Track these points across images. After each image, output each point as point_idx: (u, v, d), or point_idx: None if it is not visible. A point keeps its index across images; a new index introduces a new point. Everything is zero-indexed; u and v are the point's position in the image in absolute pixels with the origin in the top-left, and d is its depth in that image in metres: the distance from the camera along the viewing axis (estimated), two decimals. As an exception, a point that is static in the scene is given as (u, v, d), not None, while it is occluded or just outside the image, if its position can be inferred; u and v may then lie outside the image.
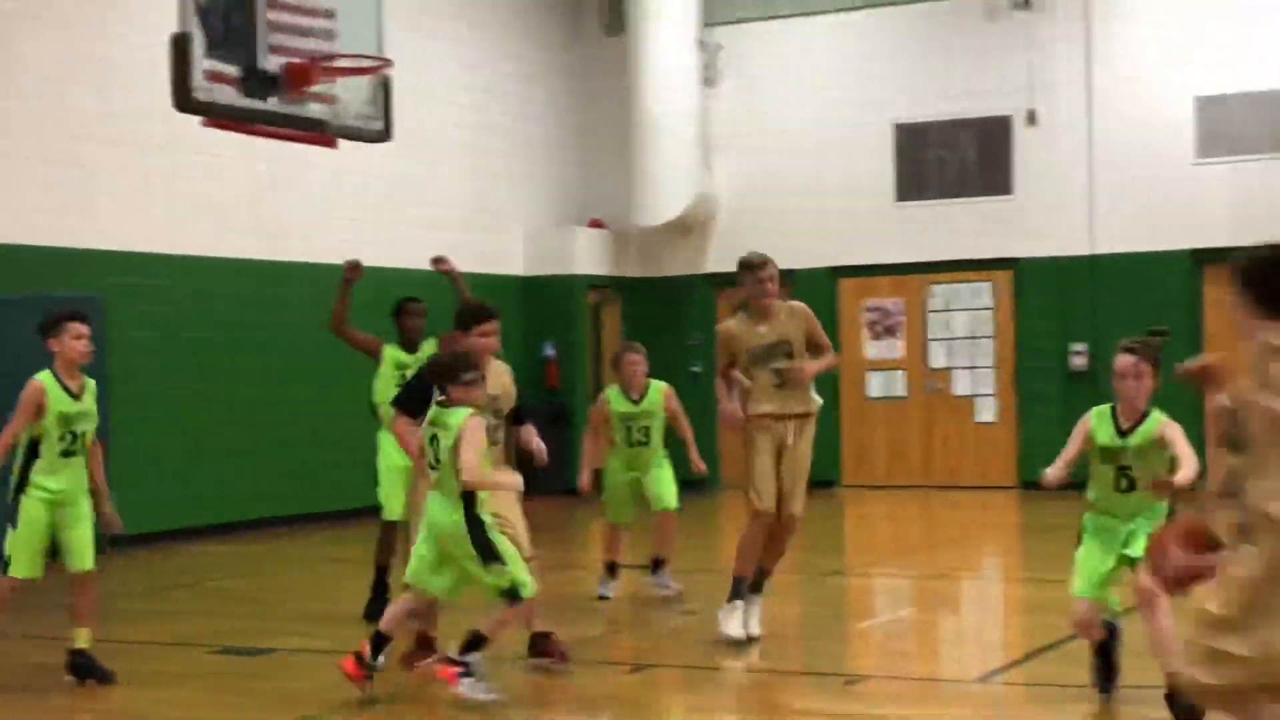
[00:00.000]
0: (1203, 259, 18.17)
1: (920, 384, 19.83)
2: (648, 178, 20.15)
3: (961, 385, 19.73)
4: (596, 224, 20.94)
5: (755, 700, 7.77)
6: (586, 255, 20.61)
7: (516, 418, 8.30)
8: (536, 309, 20.01)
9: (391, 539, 9.87)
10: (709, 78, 20.58)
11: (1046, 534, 14.68)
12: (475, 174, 19.44)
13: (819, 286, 20.44)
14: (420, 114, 17.04)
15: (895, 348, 20.06)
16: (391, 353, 10.06)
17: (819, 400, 9.23)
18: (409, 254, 17.92)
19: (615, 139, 20.51)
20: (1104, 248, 18.59)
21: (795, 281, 20.55)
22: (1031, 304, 19.33)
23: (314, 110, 9.35)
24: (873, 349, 20.29)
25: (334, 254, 16.92)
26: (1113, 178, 18.78)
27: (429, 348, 9.89)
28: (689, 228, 20.68)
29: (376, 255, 17.45)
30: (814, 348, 9.15)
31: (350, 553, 12.80)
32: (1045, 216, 19.20)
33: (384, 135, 9.93)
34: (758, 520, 8.85)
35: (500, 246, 19.87)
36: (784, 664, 8.67)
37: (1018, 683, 8.14)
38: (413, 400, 7.97)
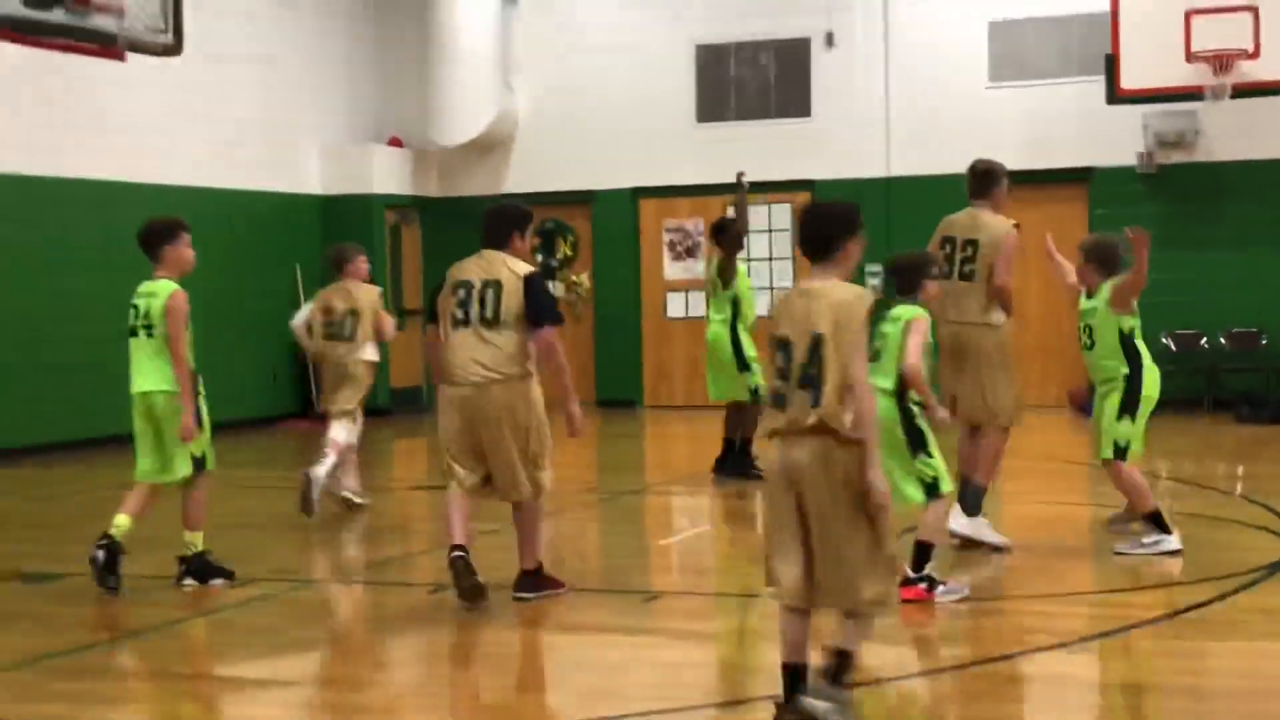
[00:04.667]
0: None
1: (720, 304, 20.00)
2: (447, 95, 19.89)
3: (761, 306, 19.87)
4: (395, 142, 20.61)
5: (556, 618, 7.76)
6: (385, 174, 20.28)
7: None
8: (334, 229, 19.63)
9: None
10: (510, -6, 20.38)
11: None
12: (269, 89, 18.95)
13: (620, 207, 20.46)
14: (211, 26, 16.55)
15: (695, 268, 20.16)
16: None
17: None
18: (200, 172, 17.51)
19: (415, 55, 20.18)
20: (899, 170, 18.89)
21: (597, 201, 20.56)
22: (829, 225, 19.56)
23: (101, 22, 9.01)
24: (673, 269, 20.39)
25: (119, 170, 16.52)
26: (908, 100, 19.06)
27: None
28: (489, 147, 20.48)
29: (163, 172, 17.05)
30: None
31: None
32: (842, 138, 19.42)
33: (174, 49, 9.63)
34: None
35: (296, 164, 19.44)
36: (585, 581, 8.71)
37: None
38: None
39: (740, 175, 12.87)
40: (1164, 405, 8.89)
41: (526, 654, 7.16)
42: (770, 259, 19.92)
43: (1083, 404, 18.10)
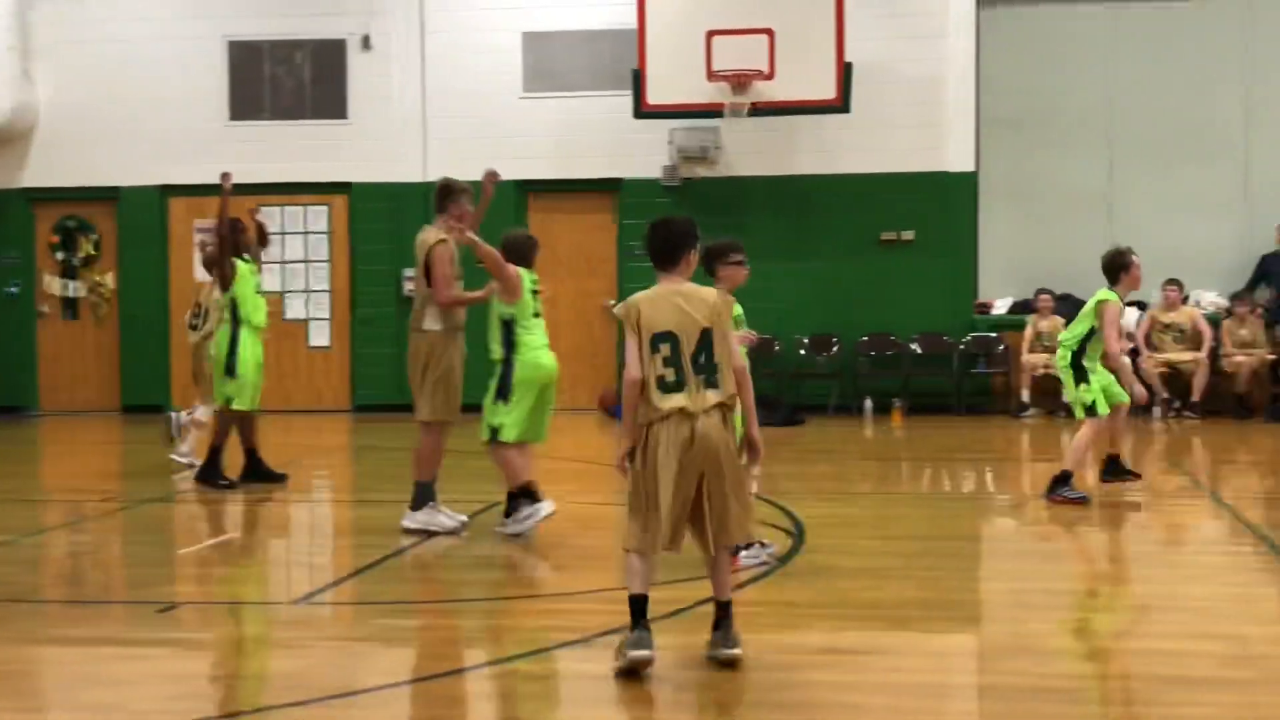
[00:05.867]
0: (528, 189, 18.94)
1: (253, 307, 19.57)
2: (-43, 82, 18.77)
3: (295, 310, 19.63)
4: (-101, 130, 19.28)
5: (63, 632, 7.42)
6: (-115, 164, 18.94)
7: None
8: None
9: None
10: (28, -21, 19.38)
11: (376, 456, 14.88)
12: None
13: (148, 205, 19.76)
14: None
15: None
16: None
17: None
18: None
19: (-80, 38, 18.94)
20: (436, 174, 18.86)
21: (122, 199, 19.77)
22: (366, 229, 19.47)
23: None
24: (203, 271, 19.79)
25: None
26: (445, 106, 19.19)
27: None
28: (6, 139, 19.44)
29: None
30: None
31: None
32: (380, 142, 19.37)
33: None
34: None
35: None
36: (99, 594, 8.38)
37: (337, 602, 8.21)
38: None
39: (223, 175, 12.63)
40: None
41: (31, 670, 6.80)
42: (306, 261, 19.66)
43: (612, 407, 18.68)
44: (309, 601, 8.13)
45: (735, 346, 6.55)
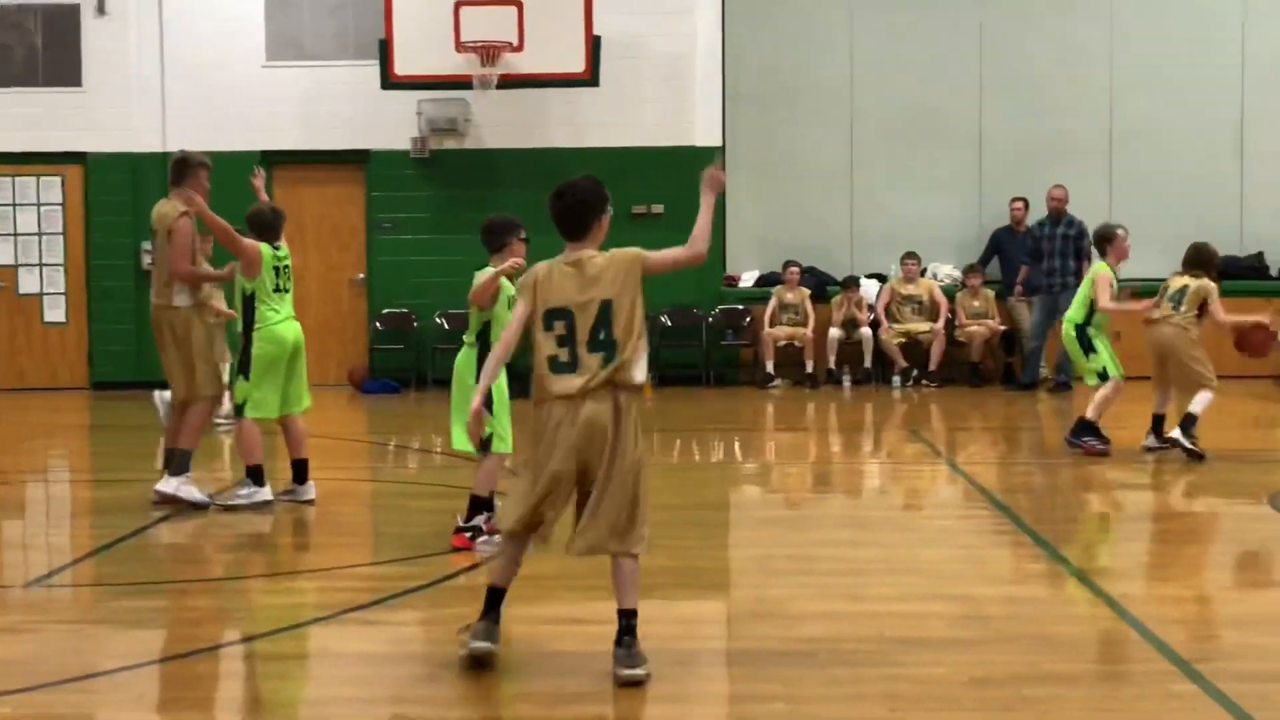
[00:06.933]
0: (273, 160, 18.54)
1: (-17, 281, 18.85)
2: None
3: (28, 284, 18.94)
4: None
5: None
6: None
7: None
8: None
9: None
10: None
11: (116, 434, 14.48)
12: None
13: None
14: None
15: (-44, 243, 18.88)
16: None
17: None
18: None
19: None
20: (177, 144, 18.40)
21: None
22: (103, 200, 18.86)
23: None
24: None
25: None
26: (185, 74, 18.66)
27: None
28: None
29: None
30: None
31: None
32: (116, 110, 18.76)
33: None
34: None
35: None
36: None
37: (74, 584, 7.97)
38: None
39: None
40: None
41: None
42: (39, 233, 18.99)
43: (362, 381, 18.47)
44: (44, 584, 7.87)
45: (639, 308, 5.85)
